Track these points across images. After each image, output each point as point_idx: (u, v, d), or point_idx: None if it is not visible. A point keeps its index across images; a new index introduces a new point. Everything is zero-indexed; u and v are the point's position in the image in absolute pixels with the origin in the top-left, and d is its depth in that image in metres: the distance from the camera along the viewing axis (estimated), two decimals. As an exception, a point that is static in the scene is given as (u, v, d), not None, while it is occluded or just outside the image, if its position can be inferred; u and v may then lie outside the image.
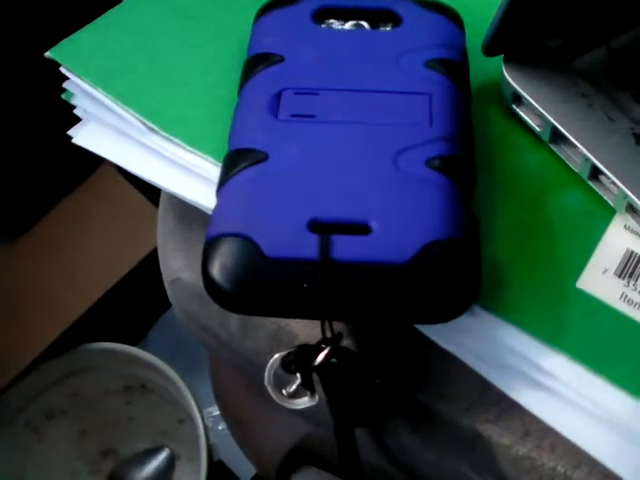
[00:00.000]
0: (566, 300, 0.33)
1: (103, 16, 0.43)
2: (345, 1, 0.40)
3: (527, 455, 0.34)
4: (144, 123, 0.38)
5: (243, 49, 0.39)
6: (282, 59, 0.37)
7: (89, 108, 0.40)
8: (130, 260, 0.88)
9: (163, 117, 0.38)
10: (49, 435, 0.89)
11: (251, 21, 0.40)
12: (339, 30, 0.39)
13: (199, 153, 0.37)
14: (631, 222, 0.36)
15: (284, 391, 0.33)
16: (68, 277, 0.87)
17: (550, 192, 0.37)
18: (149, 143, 0.38)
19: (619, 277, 0.34)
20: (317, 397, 0.33)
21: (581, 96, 0.37)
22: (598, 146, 0.36)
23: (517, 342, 0.33)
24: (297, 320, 0.37)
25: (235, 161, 0.34)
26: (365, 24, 0.39)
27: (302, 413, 0.34)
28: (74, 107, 0.41)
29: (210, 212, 0.34)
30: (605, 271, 0.34)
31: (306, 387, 0.33)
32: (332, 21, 0.39)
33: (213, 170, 0.37)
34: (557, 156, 0.38)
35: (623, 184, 0.35)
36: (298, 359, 0.32)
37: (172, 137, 0.38)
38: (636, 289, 0.34)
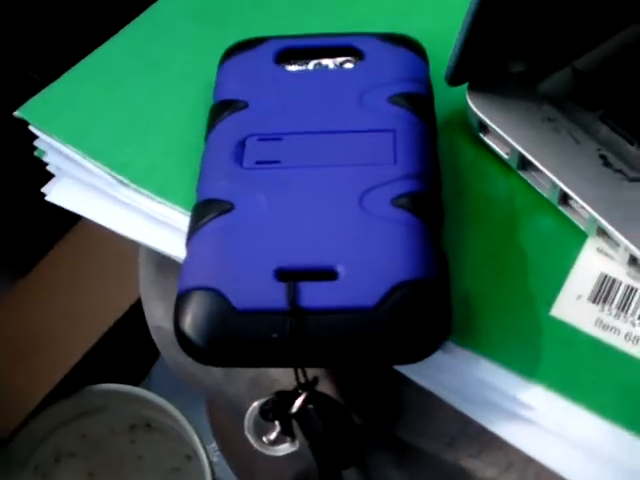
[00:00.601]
0: (540, 330, 0.33)
1: (70, 70, 0.43)
2: (307, 41, 0.40)
3: (512, 486, 0.34)
4: (114, 177, 0.39)
5: (211, 95, 0.40)
6: (246, 105, 0.37)
7: (60, 165, 0.41)
8: (129, 298, 0.88)
9: (132, 169, 0.39)
10: (58, 479, 0.89)
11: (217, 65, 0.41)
12: (302, 71, 0.39)
13: (169, 204, 0.37)
14: (603, 245, 0.35)
15: (264, 438, 0.33)
16: (68, 319, 0.87)
17: (521, 219, 0.37)
18: (120, 196, 0.39)
19: (593, 302, 0.34)
20: (297, 442, 0.33)
21: (547, 120, 0.37)
22: (566, 170, 0.36)
23: (493, 376, 0.33)
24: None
25: (202, 212, 0.34)
26: (328, 63, 0.39)
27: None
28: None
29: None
30: (579, 297, 0.34)
31: (285, 433, 0.33)
32: (295, 62, 0.39)
33: (183, 220, 0.37)
34: (526, 182, 0.38)
35: (592, 208, 0.35)
36: (276, 407, 0.32)
37: (141, 189, 0.38)
38: (611, 313, 0.34)
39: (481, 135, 0.39)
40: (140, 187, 0.38)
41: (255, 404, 0.33)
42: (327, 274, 0.31)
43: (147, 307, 0.43)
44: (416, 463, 0.36)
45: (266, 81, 0.38)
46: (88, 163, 0.39)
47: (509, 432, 0.33)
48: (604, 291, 0.35)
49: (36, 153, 0.42)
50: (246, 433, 0.33)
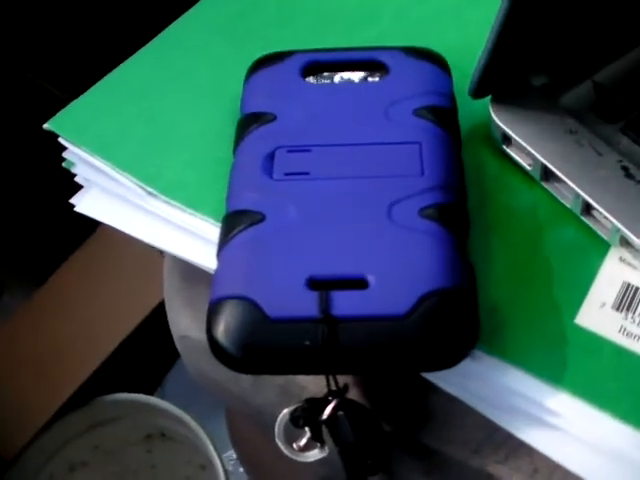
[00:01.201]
0: (565, 337, 0.34)
1: (99, 83, 0.44)
2: (332, 55, 0.41)
3: (538, 492, 0.34)
4: (143, 188, 0.39)
5: (238, 108, 0.40)
6: (274, 118, 0.38)
7: (89, 176, 0.41)
8: (144, 308, 0.88)
9: (162, 181, 0.39)
10: (73, 489, 0.90)
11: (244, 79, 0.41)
12: (328, 84, 0.40)
13: (199, 215, 0.38)
14: (626, 255, 0.36)
15: (295, 445, 0.34)
16: (83, 330, 0.88)
17: (544, 230, 0.37)
18: (149, 207, 0.39)
19: (617, 310, 0.35)
20: (327, 449, 0.33)
21: (569, 133, 0.38)
22: (588, 181, 0.36)
23: (520, 383, 0.33)
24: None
25: (233, 223, 0.35)
26: (353, 76, 0.40)
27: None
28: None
29: (212, 272, 0.35)
30: (603, 305, 0.35)
31: (316, 440, 0.33)
32: (321, 76, 0.40)
33: (213, 231, 0.37)
34: (549, 193, 0.38)
35: (615, 218, 0.35)
36: (306, 414, 0.33)
37: (171, 200, 0.39)
38: (634, 321, 0.34)
39: (504, 147, 0.39)
40: (170, 199, 0.39)
41: (285, 411, 0.33)
42: (358, 283, 0.32)
43: (172, 316, 0.44)
44: (442, 470, 0.36)
45: (293, 94, 0.39)
46: (118, 174, 0.40)
47: (535, 438, 0.33)
48: (627, 299, 0.35)
49: (64, 164, 0.42)
50: (276, 439, 0.33)
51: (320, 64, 0.40)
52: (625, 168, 0.37)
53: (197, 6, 0.48)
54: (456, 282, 0.32)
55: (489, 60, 0.36)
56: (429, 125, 0.37)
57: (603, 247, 0.37)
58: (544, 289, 0.35)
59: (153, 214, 0.39)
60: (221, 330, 0.32)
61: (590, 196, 0.36)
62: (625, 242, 0.36)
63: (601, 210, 0.35)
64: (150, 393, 0.89)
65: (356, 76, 0.40)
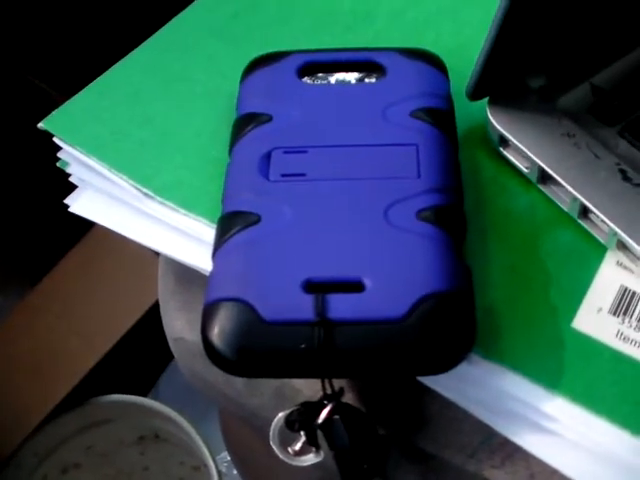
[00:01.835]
0: (562, 342, 0.34)
1: (94, 82, 0.44)
2: (329, 56, 0.40)
3: (534, 497, 0.34)
4: (138, 189, 0.39)
5: (234, 108, 0.40)
6: (270, 118, 0.38)
7: (84, 176, 0.41)
8: (138, 309, 0.88)
9: (157, 182, 0.39)
10: (66, 490, 0.89)
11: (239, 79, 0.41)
12: (324, 85, 0.39)
13: (193, 216, 0.38)
14: (623, 258, 0.36)
15: (289, 449, 0.33)
16: (77, 330, 0.87)
17: (541, 233, 0.37)
18: (144, 208, 0.39)
19: (614, 315, 0.35)
20: (322, 453, 0.33)
21: (566, 136, 0.38)
22: (585, 185, 0.36)
23: (516, 387, 0.33)
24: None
25: (228, 224, 0.34)
26: (350, 77, 0.40)
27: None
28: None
29: (207, 273, 0.34)
30: (600, 310, 0.35)
31: (311, 444, 0.33)
32: (317, 76, 0.40)
33: (208, 232, 0.37)
34: (547, 196, 0.38)
35: (612, 222, 0.35)
36: (301, 418, 0.33)
37: (166, 201, 0.38)
38: (631, 326, 0.34)
39: (501, 149, 0.39)
40: (165, 199, 0.38)
41: (280, 415, 0.33)
42: (354, 286, 0.32)
43: (166, 318, 0.44)
44: (439, 474, 0.36)
45: (289, 95, 0.39)
46: (113, 175, 0.39)
47: (532, 443, 0.33)
48: (624, 304, 0.35)
49: (59, 164, 0.42)
50: (271, 443, 0.33)
51: (316, 65, 0.40)
52: (623, 171, 0.37)
53: (192, 6, 0.47)
54: (453, 285, 0.32)
55: (487, 61, 0.36)
56: (426, 127, 0.37)
57: (600, 251, 0.36)
58: (541, 293, 0.35)
59: (148, 215, 0.39)
60: (216, 332, 0.31)
61: (587, 199, 0.36)
62: (622, 246, 0.35)
63: (598, 213, 0.35)
64: (144, 394, 0.89)
65: (353, 77, 0.40)
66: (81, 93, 0.43)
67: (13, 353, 0.86)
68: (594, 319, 0.34)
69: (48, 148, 0.42)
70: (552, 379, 0.33)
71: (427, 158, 0.36)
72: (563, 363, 0.33)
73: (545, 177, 0.38)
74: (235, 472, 0.84)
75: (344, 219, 0.34)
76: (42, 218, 0.90)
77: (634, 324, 0.34)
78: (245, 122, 0.38)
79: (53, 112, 0.42)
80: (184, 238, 0.38)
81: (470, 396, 0.34)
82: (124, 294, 0.88)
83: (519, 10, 0.33)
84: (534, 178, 0.38)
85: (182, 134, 0.41)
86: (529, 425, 0.33)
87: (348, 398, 0.35)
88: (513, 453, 0.34)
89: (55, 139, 0.41)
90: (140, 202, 0.39)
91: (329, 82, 0.40)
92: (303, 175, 0.35)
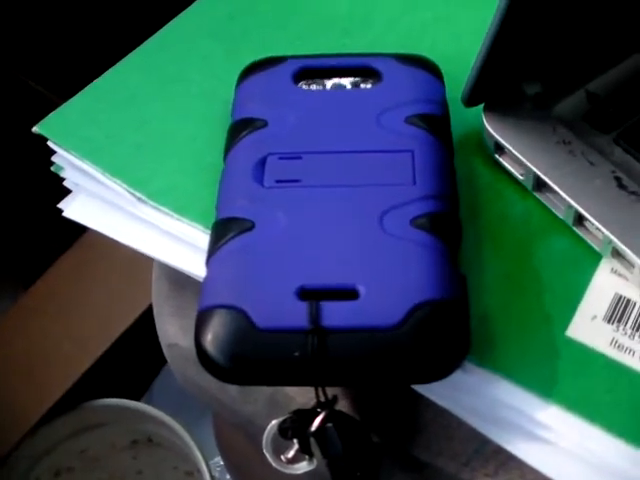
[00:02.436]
0: (556, 350, 0.34)
1: (88, 87, 0.44)
2: (325, 61, 0.40)
3: (528, 506, 0.34)
4: (132, 193, 0.39)
5: (229, 113, 0.40)
6: (265, 124, 0.38)
7: (78, 180, 0.41)
8: (132, 312, 0.88)
9: (151, 187, 0.39)
10: (57, 494, 0.89)
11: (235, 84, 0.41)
12: (320, 90, 0.39)
13: (187, 221, 0.38)
14: (618, 266, 0.36)
15: (282, 457, 0.33)
16: (71, 333, 0.87)
17: (536, 240, 0.37)
18: (138, 213, 0.39)
19: (608, 322, 0.35)
20: (315, 461, 0.33)
21: (562, 143, 0.38)
22: (581, 192, 0.36)
23: (511, 396, 0.33)
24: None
25: (223, 231, 0.34)
26: (346, 83, 0.40)
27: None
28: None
29: (201, 279, 0.34)
30: (594, 317, 0.35)
31: (304, 452, 0.33)
32: (313, 81, 0.40)
33: (202, 238, 0.37)
34: (542, 203, 0.38)
35: (607, 229, 0.35)
36: (294, 425, 0.33)
37: (160, 206, 0.38)
38: (626, 333, 0.34)
39: (497, 156, 0.39)
40: (159, 205, 0.38)
41: (274, 422, 0.33)
42: (348, 293, 0.31)
43: (160, 324, 0.44)
44: (432, 482, 0.36)
45: (285, 100, 0.39)
46: (107, 180, 0.39)
47: (526, 451, 0.33)
48: (619, 311, 0.35)
49: (53, 168, 0.42)
50: (264, 451, 0.33)
51: (312, 70, 0.40)
52: (618, 179, 0.36)
53: (188, 10, 0.47)
54: (448, 293, 0.32)
55: (482, 68, 0.36)
56: (421, 133, 0.37)
57: (595, 258, 0.36)
58: (536, 300, 0.35)
59: (142, 220, 0.39)
60: (209, 339, 0.31)
61: (582, 207, 0.36)
62: (617, 253, 0.35)
63: (593, 221, 0.35)
64: (137, 398, 0.88)
65: (348, 82, 0.40)
66: (76, 97, 0.43)
67: (6, 356, 0.86)
68: (588, 327, 0.34)
69: (44, 151, 0.42)
70: (546, 387, 0.33)
71: (422, 164, 0.36)
72: (557, 371, 0.33)
73: (540, 184, 0.37)
74: (228, 477, 0.84)
75: (339, 226, 0.34)
76: (35, 221, 0.89)
77: (628, 332, 0.34)
78: (240, 127, 0.38)
79: (47, 116, 0.42)
80: (178, 244, 0.38)
81: (464, 404, 0.34)
82: (118, 297, 0.88)
83: (515, 17, 0.33)
84: (529, 185, 0.38)
85: (177, 138, 0.41)
86: (523, 433, 0.33)
87: (341, 406, 0.34)
88: (507, 461, 0.34)
89: (49, 143, 0.41)
90: (134, 207, 0.39)
91: (325, 87, 0.40)
92: (298, 181, 0.35)
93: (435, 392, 0.34)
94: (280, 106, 0.38)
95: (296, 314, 0.31)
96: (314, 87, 0.40)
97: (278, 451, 0.33)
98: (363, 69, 0.40)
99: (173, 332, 0.42)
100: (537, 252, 0.37)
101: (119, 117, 0.42)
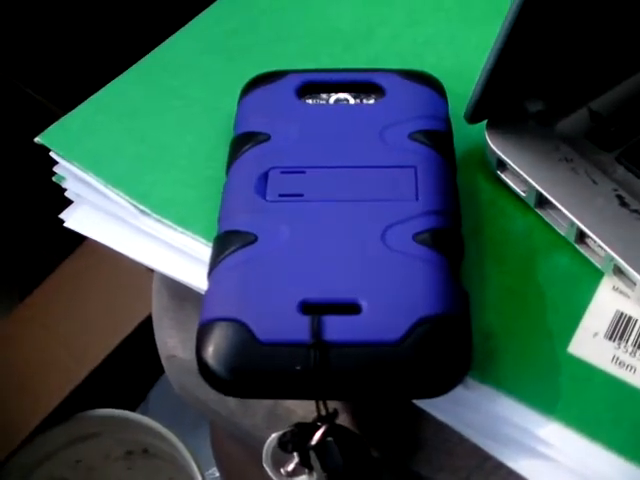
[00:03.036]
0: (558, 367, 0.34)
1: (91, 98, 0.44)
2: (328, 75, 0.40)
3: (528, 522, 0.34)
4: (134, 205, 0.39)
5: (231, 126, 0.40)
6: (268, 138, 0.38)
7: (80, 191, 0.41)
8: (129, 323, 0.88)
9: (153, 199, 0.39)
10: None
11: (237, 98, 0.41)
12: (323, 105, 0.39)
13: (190, 234, 0.38)
14: (619, 284, 0.36)
15: (282, 470, 0.33)
16: (68, 343, 0.87)
17: (538, 257, 0.37)
18: (140, 225, 0.39)
19: (610, 339, 0.35)
20: (315, 475, 0.33)
21: (564, 160, 0.38)
22: (583, 210, 0.36)
23: (512, 412, 0.33)
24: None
25: (225, 244, 0.34)
26: (349, 98, 0.40)
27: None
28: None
29: (202, 292, 0.34)
30: (595, 334, 0.35)
31: (304, 465, 0.33)
32: (316, 96, 0.40)
33: (204, 251, 0.37)
34: (544, 220, 0.38)
35: (609, 247, 0.35)
36: (295, 439, 0.32)
37: (163, 219, 0.38)
38: (627, 351, 0.34)
39: (499, 173, 0.39)
40: (161, 217, 0.38)
41: (273, 435, 0.33)
42: (350, 308, 0.32)
43: (160, 335, 0.43)
44: (433, 498, 0.36)
45: (288, 114, 0.39)
46: (109, 191, 0.39)
47: (526, 468, 0.33)
48: (620, 329, 0.35)
49: (55, 179, 0.42)
50: (264, 464, 0.33)
51: (315, 84, 0.40)
52: (620, 197, 0.37)
53: (191, 24, 0.47)
54: (450, 308, 0.32)
55: (486, 85, 0.36)
56: (424, 149, 0.37)
57: (597, 275, 0.36)
58: (537, 317, 0.35)
59: (144, 232, 0.39)
60: (210, 352, 0.31)
61: (584, 224, 0.36)
62: (618, 271, 0.35)
63: (595, 239, 0.35)
64: (133, 409, 0.88)
65: (351, 97, 0.40)
66: (78, 108, 0.43)
67: (2, 365, 0.86)
68: (590, 344, 0.34)
69: (45, 162, 0.42)
70: (547, 404, 0.33)
71: (425, 181, 0.36)
72: (559, 388, 0.33)
73: (542, 201, 0.38)
74: (224, 488, 0.83)
75: (341, 240, 0.34)
76: (33, 231, 0.89)
77: (630, 349, 0.34)
78: (243, 141, 0.38)
79: (50, 127, 0.42)
80: (179, 256, 0.38)
81: (465, 420, 0.34)
82: (115, 308, 0.88)
83: (520, 35, 0.33)
84: (532, 202, 0.38)
85: (179, 151, 0.41)
86: (524, 450, 0.33)
87: (342, 420, 0.34)
88: (507, 477, 0.34)
89: (51, 153, 0.41)
90: (136, 219, 0.39)
91: (328, 102, 0.40)
92: (301, 195, 0.35)
93: (436, 407, 0.34)
94: (283, 120, 0.38)
95: (298, 328, 0.31)
96: (317, 102, 0.40)
97: (278, 464, 0.33)
98: (366, 84, 0.40)
99: (172, 344, 0.42)
100: (539, 269, 0.37)
101: (121, 129, 0.42)
